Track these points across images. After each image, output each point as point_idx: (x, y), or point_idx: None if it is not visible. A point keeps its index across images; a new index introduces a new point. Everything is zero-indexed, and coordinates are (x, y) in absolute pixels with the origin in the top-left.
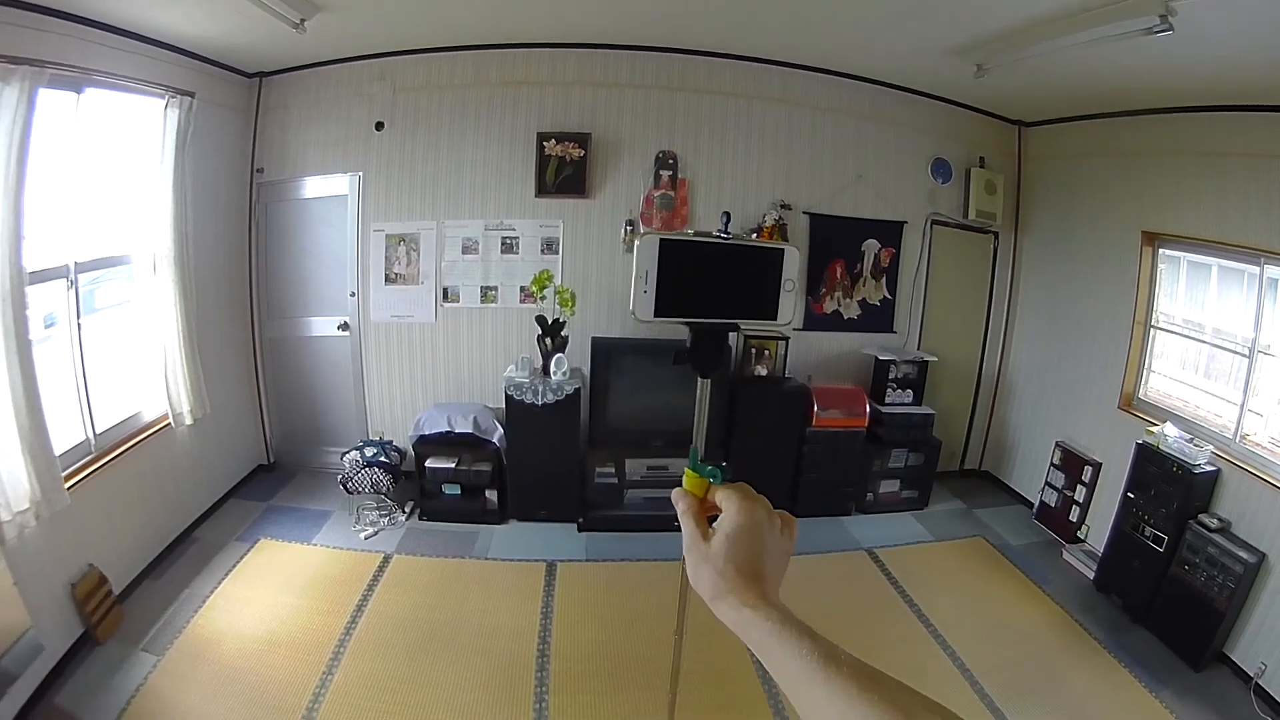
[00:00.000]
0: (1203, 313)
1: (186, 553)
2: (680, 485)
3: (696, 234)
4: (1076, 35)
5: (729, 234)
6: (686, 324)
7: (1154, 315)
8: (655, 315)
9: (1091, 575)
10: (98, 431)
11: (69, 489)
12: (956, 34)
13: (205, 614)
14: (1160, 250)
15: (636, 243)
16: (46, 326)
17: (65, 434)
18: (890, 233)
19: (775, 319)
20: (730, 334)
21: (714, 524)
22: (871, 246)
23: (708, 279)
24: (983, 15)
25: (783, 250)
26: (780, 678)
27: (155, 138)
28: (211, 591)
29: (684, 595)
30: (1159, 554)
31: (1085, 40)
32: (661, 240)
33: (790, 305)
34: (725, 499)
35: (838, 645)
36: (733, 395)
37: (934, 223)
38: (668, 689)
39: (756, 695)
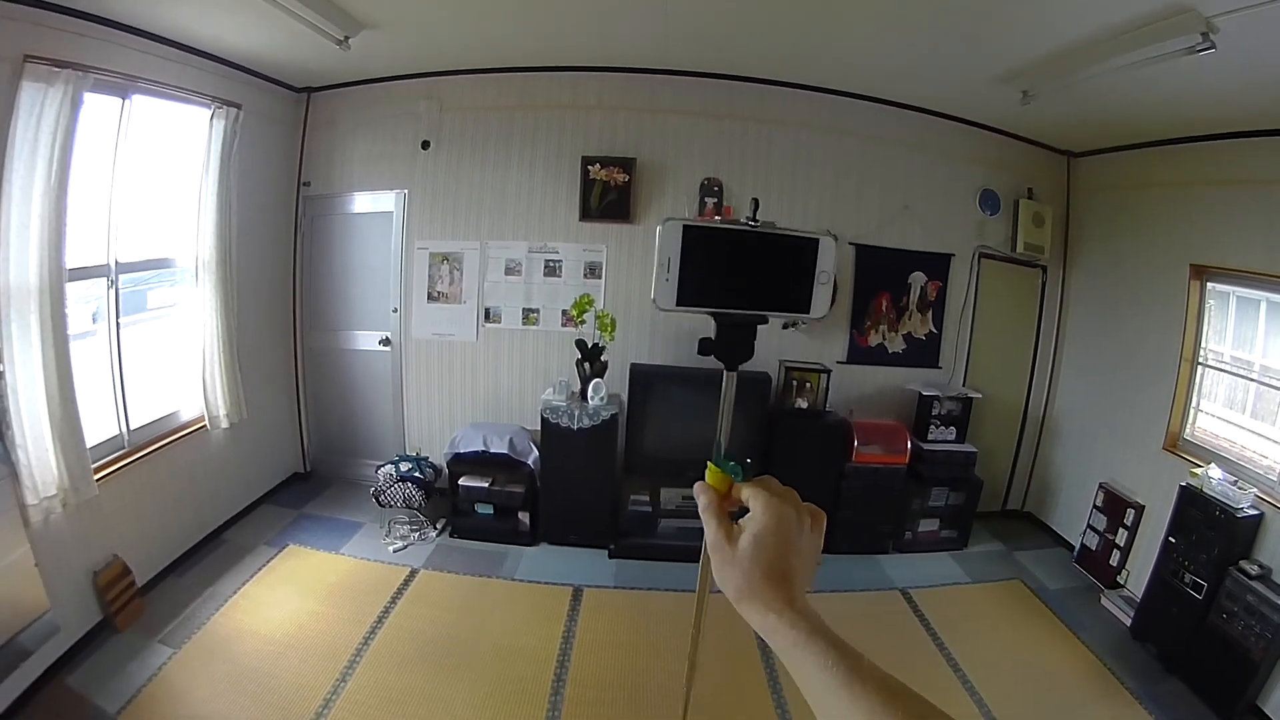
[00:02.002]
0: (1251, 350)
1: (214, 552)
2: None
3: (724, 221)
4: (1120, 58)
5: (758, 221)
6: (711, 314)
7: (1202, 352)
8: (678, 304)
9: (1129, 622)
10: (132, 427)
11: (99, 480)
12: (1001, 60)
13: (226, 612)
14: (1209, 284)
15: (659, 228)
16: (95, 322)
17: (100, 427)
18: (937, 265)
19: (808, 312)
20: (758, 325)
21: (739, 520)
22: (918, 279)
23: (735, 268)
24: (1026, 40)
25: (818, 240)
26: (804, 686)
27: (202, 146)
28: (235, 591)
29: (700, 612)
30: (1198, 601)
31: (1129, 62)
32: (685, 226)
33: (825, 298)
34: (753, 496)
35: (864, 656)
36: (772, 428)
37: (981, 255)
38: (683, 680)
39: None
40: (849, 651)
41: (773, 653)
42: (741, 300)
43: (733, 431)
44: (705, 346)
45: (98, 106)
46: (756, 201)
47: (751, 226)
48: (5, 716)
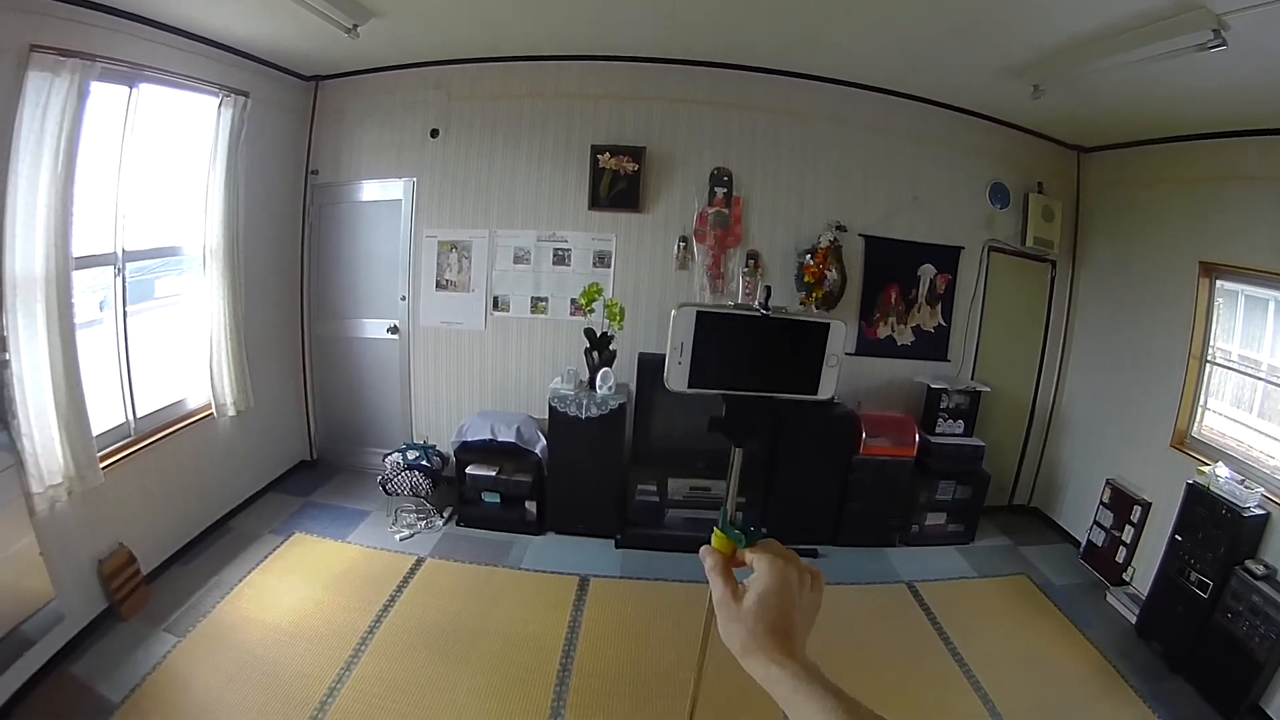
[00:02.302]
0: (1259, 349)
1: (220, 541)
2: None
3: (736, 307)
4: (1130, 54)
5: (769, 309)
6: (721, 396)
7: (1210, 350)
8: (689, 386)
9: (1134, 620)
10: (138, 415)
11: (104, 468)
12: (1010, 52)
13: (231, 601)
14: (1218, 282)
15: (674, 313)
16: (102, 310)
17: (106, 415)
18: (947, 258)
19: (815, 394)
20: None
21: (744, 580)
22: (927, 271)
23: (746, 351)
24: (1035, 33)
25: (829, 325)
26: None
27: (209, 135)
28: (240, 580)
29: (705, 642)
30: (1203, 600)
31: (1139, 58)
32: (699, 312)
33: (832, 380)
34: (757, 559)
35: (861, 703)
36: (780, 419)
37: (991, 249)
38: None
39: None
40: (846, 698)
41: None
42: (751, 382)
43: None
44: (714, 425)
45: (105, 95)
46: (769, 289)
47: (764, 314)
48: (9, 705)
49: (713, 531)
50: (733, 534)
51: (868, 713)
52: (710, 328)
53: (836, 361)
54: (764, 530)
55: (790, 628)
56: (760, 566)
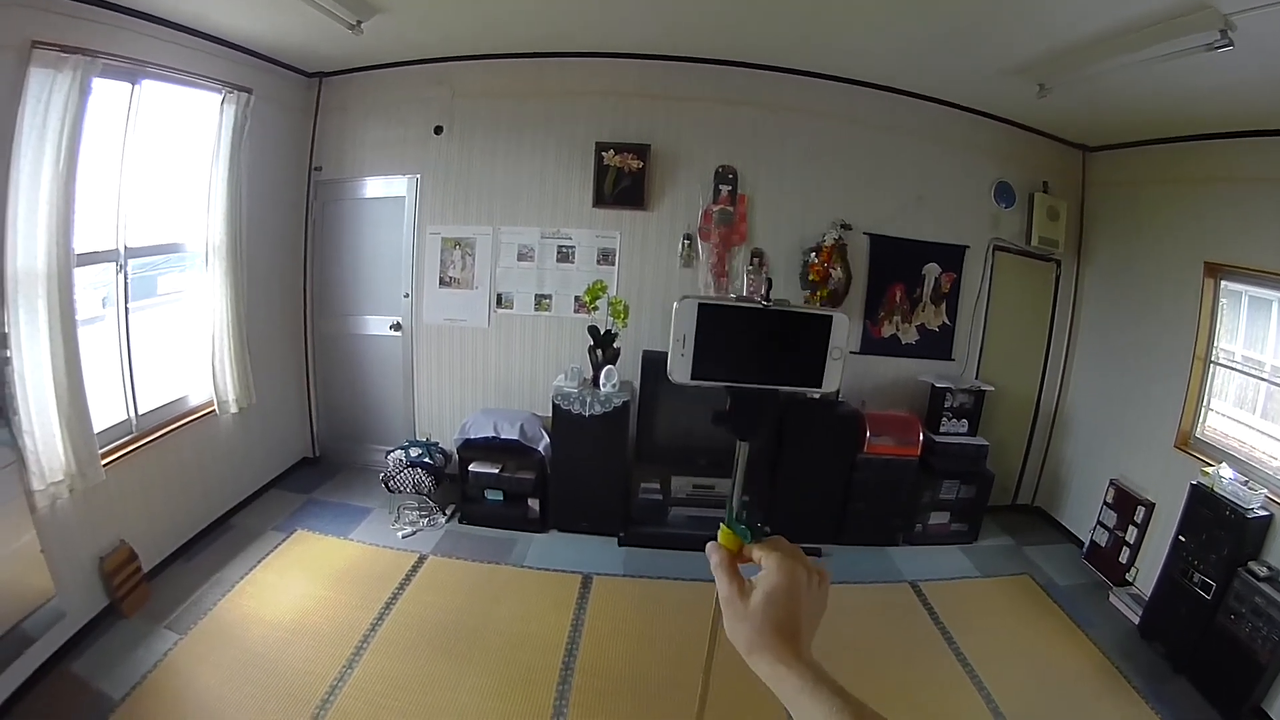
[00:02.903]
0: (1263, 350)
1: (222, 538)
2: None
3: (738, 299)
4: (1136, 53)
5: (770, 301)
6: (725, 388)
7: (1214, 351)
8: (692, 379)
9: (1137, 620)
10: (140, 412)
11: (106, 465)
12: (1016, 51)
13: (233, 598)
14: (1223, 283)
15: (675, 305)
16: (104, 307)
17: (108, 412)
18: (951, 257)
19: (820, 386)
20: (775, 399)
21: (751, 578)
22: (932, 270)
23: (749, 343)
24: (1040, 32)
25: (831, 317)
26: None
27: (212, 131)
28: (242, 577)
29: (712, 644)
30: (1206, 602)
31: (1146, 58)
32: (700, 304)
33: (837, 372)
34: (766, 556)
35: (866, 705)
36: (783, 417)
37: (996, 248)
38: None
39: None
40: (853, 700)
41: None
42: (754, 375)
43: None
44: (719, 419)
45: (107, 92)
46: (770, 281)
47: (765, 305)
48: (9, 704)
49: (719, 528)
50: (739, 530)
51: (873, 715)
52: (712, 320)
53: (840, 354)
54: (768, 530)
55: (797, 627)
56: (768, 564)
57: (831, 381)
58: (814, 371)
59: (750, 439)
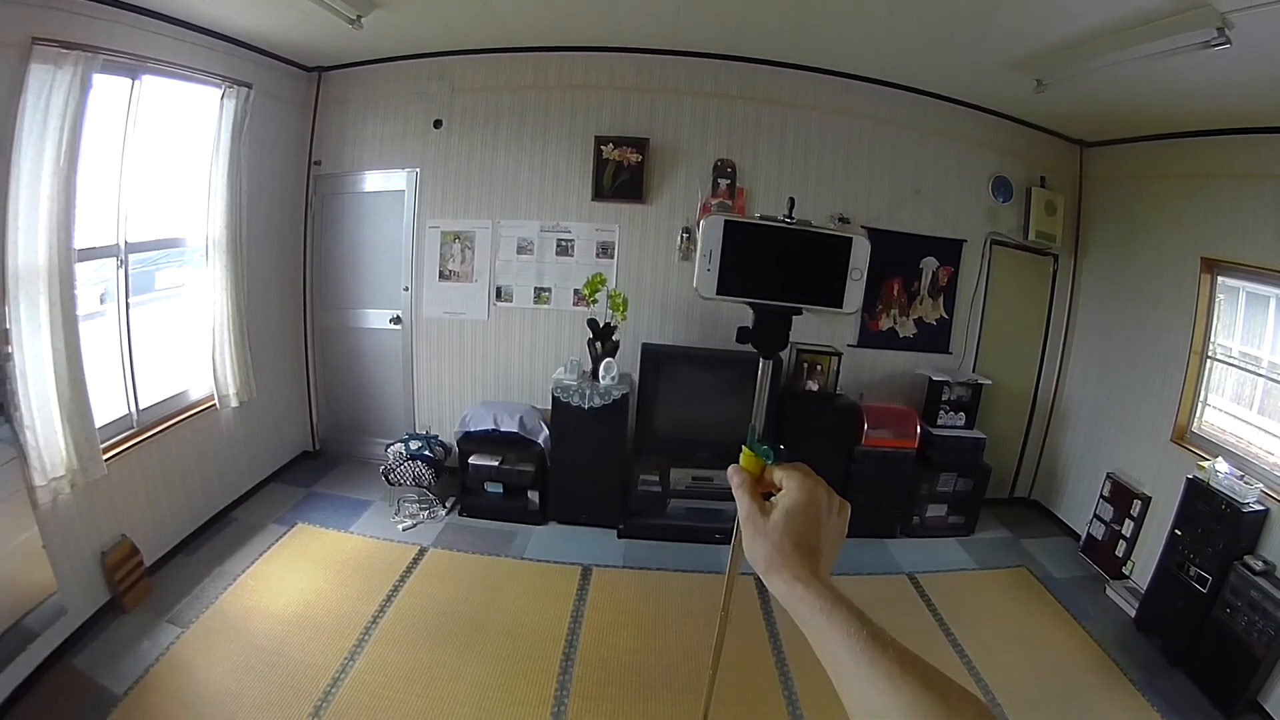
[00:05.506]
0: (1260, 346)
1: (223, 531)
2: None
3: (762, 217)
4: (1135, 49)
5: (793, 219)
6: (750, 304)
7: (1211, 346)
8: (718, 293)
9: (1133, 613)
10: (141, 407)
11: (107, 460)
12: (1014, 46)
13: (235, 591)
14: (1219, 279)
15: (702, 222)
16: (103, 302)
17: (109, 407)
18: (949, 251)
19: (841, 307)
20: (793, 317)
21: (770, 499)
22: (930, 264)
23: (772, 262)
24: (1038, 27)
25: (851, 239)
26: (825, 654)
27: (212, 126)
28: (243, 570)
29: (733, 570)
30: (1202, 595)
31: (1143, 55)
32: (726, 221)
33: (858, 294)
34: (787, 476)
35: (884, 630)
36: (782, 409)
37: (993, 242)
38: (708, 665)
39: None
40: (870, 622)
41: (782, 623)
42: (778, 293)
43: (742, 413)
44: (743, 335)
45: (107, 87)
46: (792, 200)
47: (789, 224)
48: (12, 700)
49: (741, 450)
50: (760, 450)
51: (891, 640)
52: (738, 237)
53: (860, 275)
54: (780, 447)
55: (816, 545)
56: (790, 484)
57: (852, 301)
58: (835, 291)
59: (772, 356)
